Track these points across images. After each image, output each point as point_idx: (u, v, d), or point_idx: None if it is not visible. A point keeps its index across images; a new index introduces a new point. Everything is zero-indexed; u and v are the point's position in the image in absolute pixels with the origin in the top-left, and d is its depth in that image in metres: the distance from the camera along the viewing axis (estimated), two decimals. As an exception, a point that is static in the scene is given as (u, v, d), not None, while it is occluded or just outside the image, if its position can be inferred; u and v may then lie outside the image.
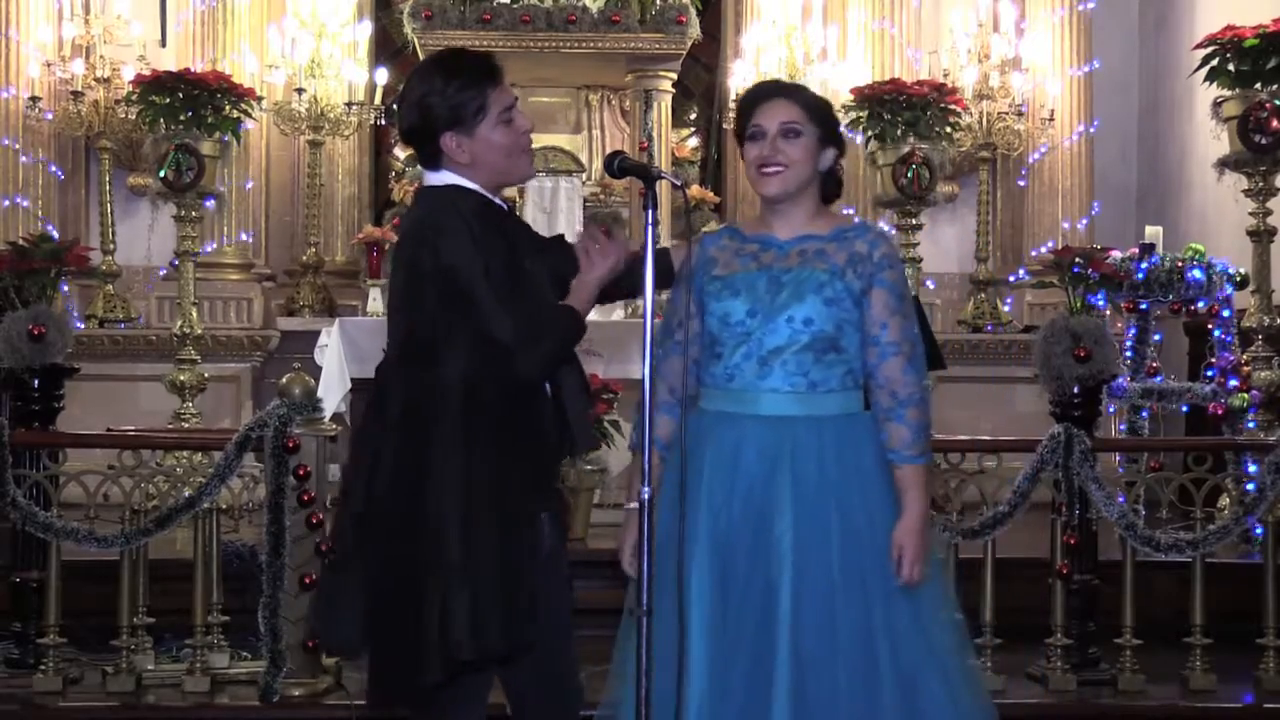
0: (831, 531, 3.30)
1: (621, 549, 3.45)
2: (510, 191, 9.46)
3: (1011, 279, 9.71)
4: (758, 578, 3.29)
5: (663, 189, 8.17)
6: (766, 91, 3.52)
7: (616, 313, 7.95)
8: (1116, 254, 7.37)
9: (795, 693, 3.22)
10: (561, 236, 3.69)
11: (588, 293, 3.38)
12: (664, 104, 9.23)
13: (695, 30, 9.13)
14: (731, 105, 9.54)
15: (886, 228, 9.23)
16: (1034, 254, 9.51)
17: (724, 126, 9.93)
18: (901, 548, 3.33)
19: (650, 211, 3.27)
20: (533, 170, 3.47)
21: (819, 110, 3.47)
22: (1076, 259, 6.06)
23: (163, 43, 9.62)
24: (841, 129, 3.59)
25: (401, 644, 3.26)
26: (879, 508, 3.36)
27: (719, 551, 3.33)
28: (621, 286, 3.49)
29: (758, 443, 3.35)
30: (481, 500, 3.23)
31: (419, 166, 9.54)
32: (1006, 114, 9.52)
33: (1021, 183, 9.85)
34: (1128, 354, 7.86)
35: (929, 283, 9.25)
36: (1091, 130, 9.84)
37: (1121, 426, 7.91)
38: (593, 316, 3.60)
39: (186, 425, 8.27)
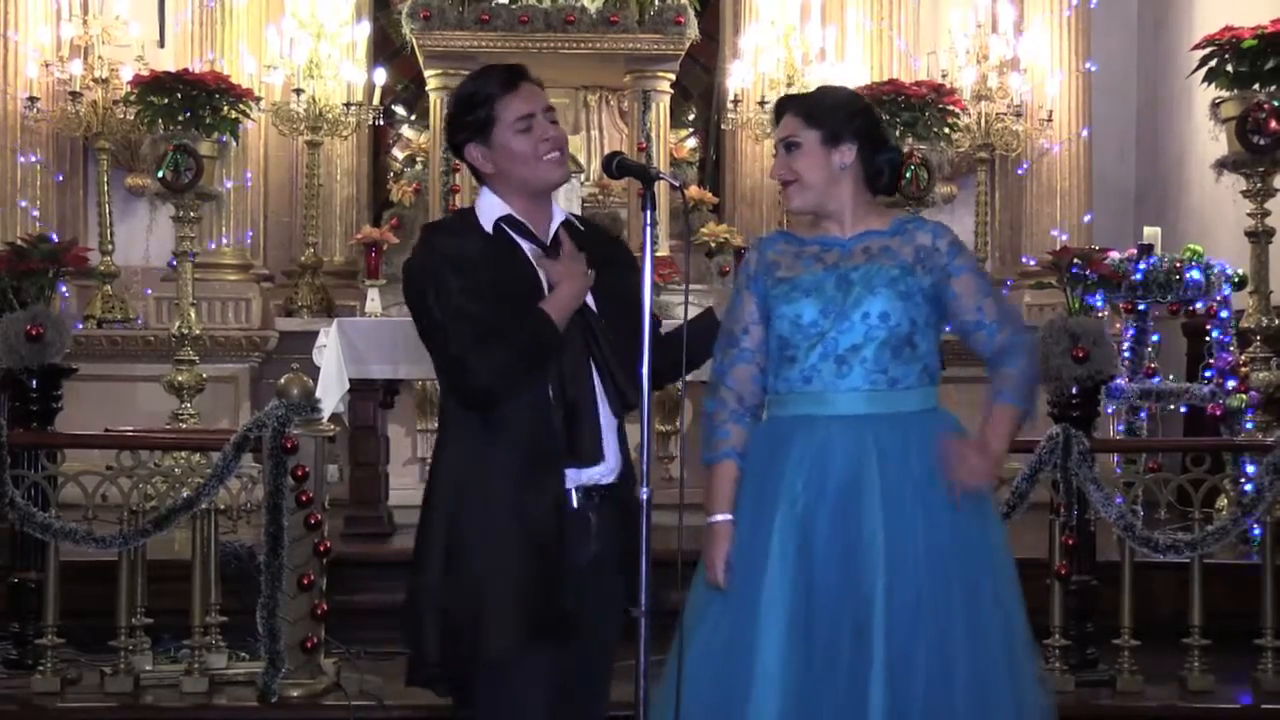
0: (918, 528, 3.27)
1: (713, 563, 3.35)
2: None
3: (1010, 280, 9.73)
4: (849, 587, 3.24)
5: (661, 190, 8.16)
6: (778, 109, 3.52)
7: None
8: (1115, 255, 7.38)
9: (890, 695, 3.18)
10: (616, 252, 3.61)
11: (556, 301, 3.33)
12: (662, 104, 9.22)
13: (693, 31, 9.12)
14: (730, 106, 9.56)
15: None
16: (1029, 257, 9.53)
17: (723, 127, 9.94)
18: (950, 452, 3.30)
19: (648, 212, 3.27)
20: (563, 174, 3.47)
21: (819, 112, 3.42)
22: (1075, 259, 6.07)
23: (161, 43, 9.61)
24: (874, 119, 3.51)
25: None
26: (967, 513, 3.31)
27: (804, 560, 3.28)
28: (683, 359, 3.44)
29: (843, 443, 3.31)
30: (466, 509, 3.29)
31: (418, 168, 9.50)
32: (1005, 114, 9.51)
33: (1020, 179, 9.85)
34: (1126, 355, 7.86)
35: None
36: (1089, 131, 9.85)
37: (1120, 427, 7.91)
38: None
39: (185, 426, 8.27)
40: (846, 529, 3.27)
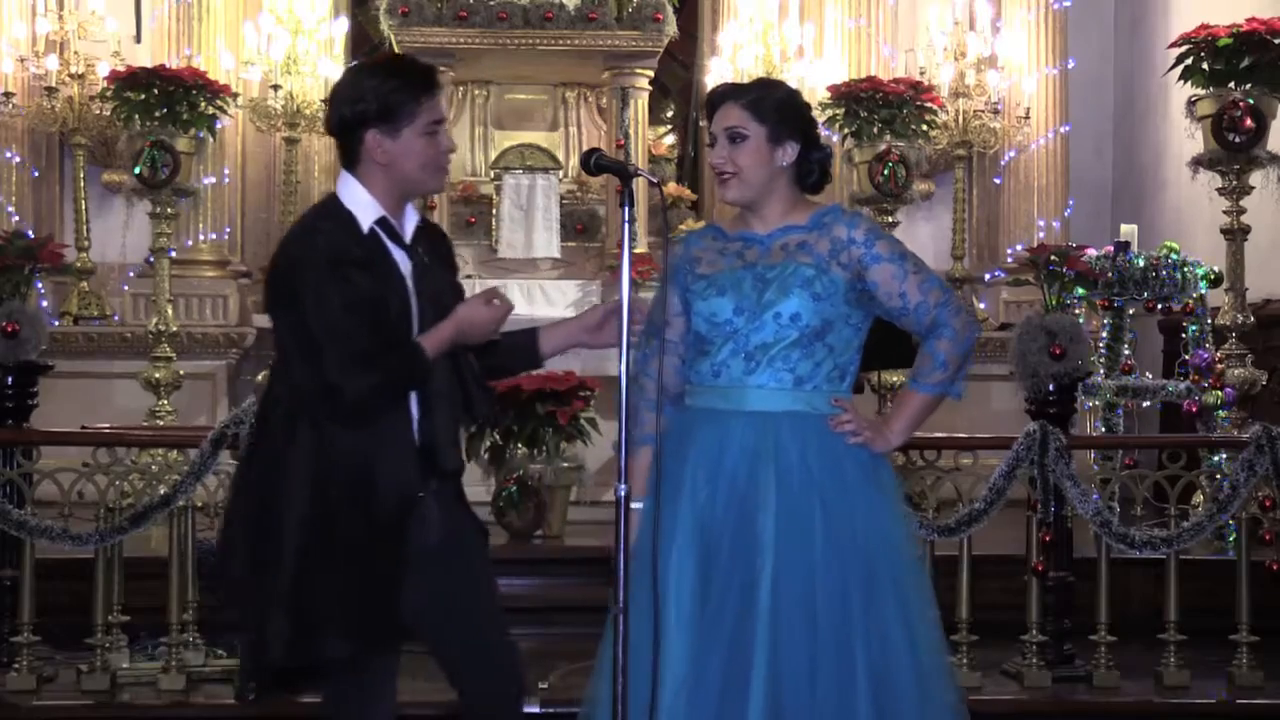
0: (814, 527, 3.30)
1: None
2: (486, 188, 9.52)
3: (987, 277, 9.75)
4: (739, 571, 3.28)
5: (639, 186, 8.16)
6: (718, 96, 3.52)
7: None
8: (1092, 252, 7.40)
9: (771, 683, 3.22)
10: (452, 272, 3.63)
11: (439, 337, 3.33)
12: (641, 101, 9.22)
13: (672, 28, 9.13)
14: (708, 103, 9.55)
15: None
16: (1009, 252, 9.55)
17: (700, 124, 9.93)
18: (846, 413, 3.37)
19: (627, 209, 3.27)
20: (444, 186, 3.51)
21: (767, 108, 3.43)
22: (1052, 257, 6.09)
23: (138, 39, 9.58)
24: (812, 118, 3.55)
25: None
26: (860, 505, 3.35)
27: (702, 547, 3.32)
28: (515, 364, 3.59)
29: (741, 438, 3.35)
30: (327, 512, 3.26)
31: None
32: (982, 112, 9.54)
33: (997, 180, 9.88)
34: (1102, 351, 7.88)
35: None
36: (1066, 129, 9.88)
37: (1097, 424, 7.94)
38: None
39: (162, 423, 8.24)
40: (740, 520, 3.30)
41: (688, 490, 3.35)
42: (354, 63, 3.67)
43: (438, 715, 4.90)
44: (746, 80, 9.16)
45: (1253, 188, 7.56)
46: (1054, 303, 5.96)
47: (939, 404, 3.51)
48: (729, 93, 3.51)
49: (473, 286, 8.93)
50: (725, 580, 3.30)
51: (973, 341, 3.47)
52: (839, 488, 3.35)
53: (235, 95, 8.83)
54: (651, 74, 9.30)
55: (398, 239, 3.39)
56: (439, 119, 3.40)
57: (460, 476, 3.52)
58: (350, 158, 3.41)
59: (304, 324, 3.25)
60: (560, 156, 9.66)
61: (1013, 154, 9.81)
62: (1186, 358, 7.77)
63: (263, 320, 9.28)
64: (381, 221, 3.37)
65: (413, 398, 3.33)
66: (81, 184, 9.26)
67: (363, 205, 3.37)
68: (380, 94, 3.34)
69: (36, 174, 9.46)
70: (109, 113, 8.73)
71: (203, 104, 8.31)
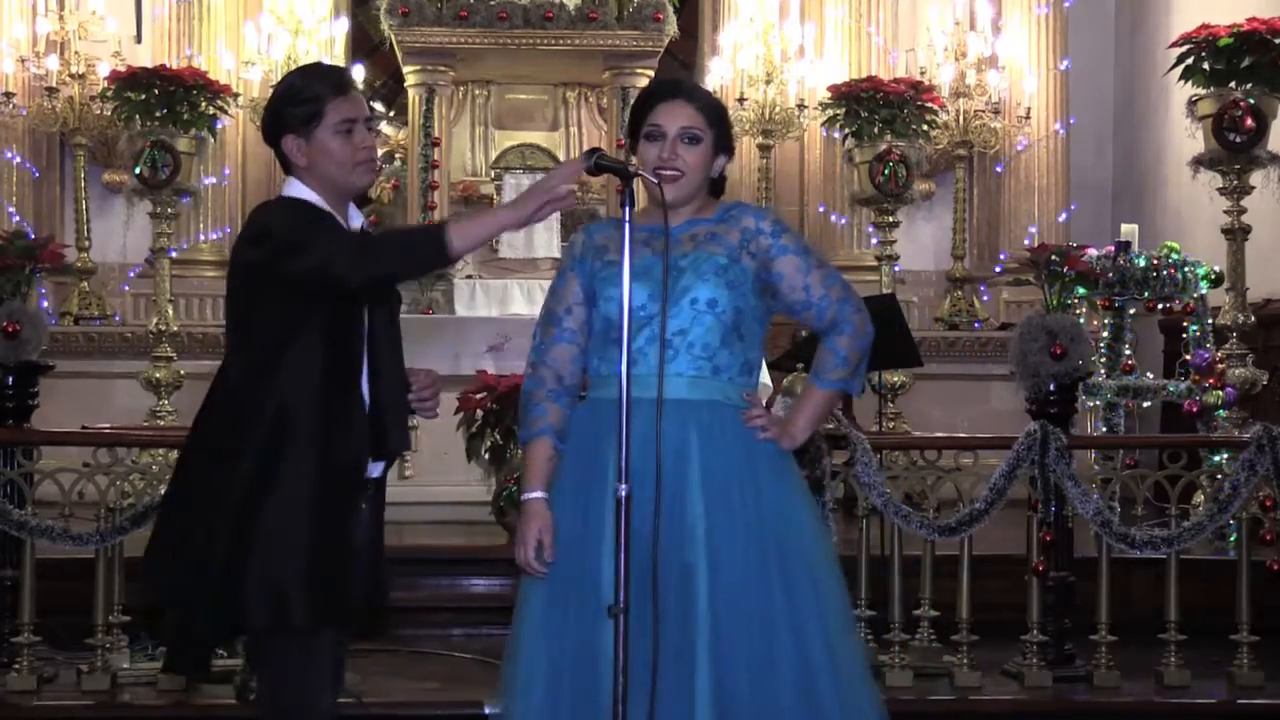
0: (736, 515, 3.28)
1: (523, 539, 3.33)
2: (487, 188, 9.51)
3: (987, 278, 9.75)
4: (673, 567, 3.24)
5: (640, 186, 8.15)
6: (668, 91, 3.48)
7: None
8: (1092, 251, 7.40)
9: (715, 679, 3.19)
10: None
11: (491, 221, 3.36)
12: (641, 101, 9.22)
13: (672, 28, 9.13)
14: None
15: (867, 227, 9.32)
16: (1007, 254, 9.56)
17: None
18: (754, 412, 3.36)
19: (627, 209, 3.26)
20: (370, 180, 3.60)
21: (717, 114, 3.45)
22: (1052, 256, 6.09)
23: (138, 39, 9.59)
24: (734, 132, 3.58)
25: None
26: (771, 498, 3.33)
27: (633, 542, 3.23)
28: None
29: (664, 428, 3.26)
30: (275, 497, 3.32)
31: (396, 164, 9.41)
32: (983, 112, 9.55)
33: (998, 173, 9.88)
34: (1103, 351, 7.89)
35: (897, 269, 9.11)
36: (1067, 129, 9.88)
37: (1099, 424, 7.94)
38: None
39: (162, 423, 8.25)
40: (668, 512, 3.24)
41: (610, 487, 3.24)
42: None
43: (426, 715, 4.93)
44: (746, 82, 9.22)
45: (1253, 187, 7.56)
46: (1054, 302, 5.96)
47: (840, 399, 3.53)
48: (681, 90, 3.48)
49: (473, 287, 9.00)
50: (663, 580, 3.22)
51: (871, 338, 3.46)
52: (753, 480, 3.33)
53: (236, 95, 8.85)
54: (652, 74, 9.28)
55: None
56: (350, 118, 3.45)
57: (394, 462, 3.56)
58: (284, 164, 3.55)
59: (292, 230, 3.32)
60: (560, 156, 9.65)
61: (1014, 153, 9.81)
62: (1187, 358, 7.77)
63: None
64: (326, 214, 3.45)
65: (364, 378, 3.38)
66: (82, 184, 9.26)
67: (308, 199, 3.47)
68: (289, 100, 3.47)
69: (37, 174, 9.47)
70: (109, 113, 8.75)
71: (203, 104, 8.33)
